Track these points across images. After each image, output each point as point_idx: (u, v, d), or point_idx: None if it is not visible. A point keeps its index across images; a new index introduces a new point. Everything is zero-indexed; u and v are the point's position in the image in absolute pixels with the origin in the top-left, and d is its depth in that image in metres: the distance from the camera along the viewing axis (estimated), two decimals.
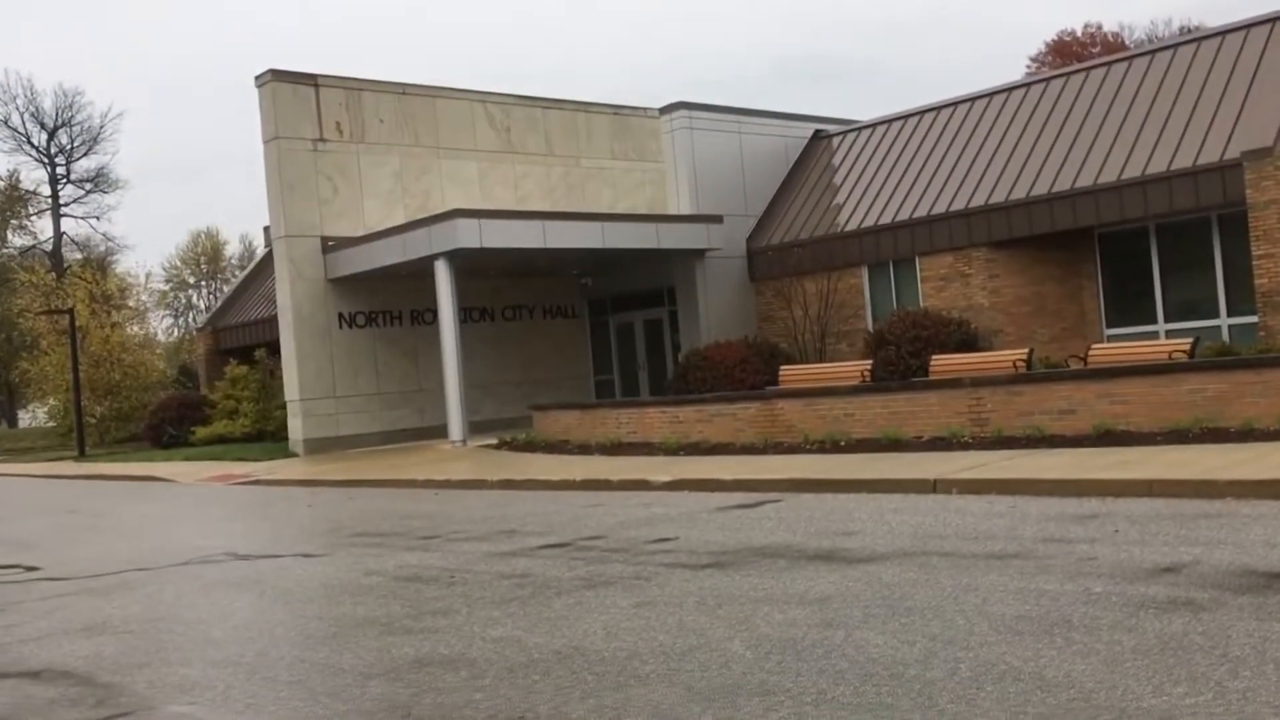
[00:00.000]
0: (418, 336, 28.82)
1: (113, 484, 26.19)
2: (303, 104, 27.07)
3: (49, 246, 60.89)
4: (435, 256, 24.57)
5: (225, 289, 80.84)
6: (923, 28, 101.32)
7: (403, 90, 28.86)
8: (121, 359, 41.56)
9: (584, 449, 20.04)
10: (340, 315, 27.53)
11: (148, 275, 64.86)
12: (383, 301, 28.28)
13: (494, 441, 23.85)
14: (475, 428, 26.04)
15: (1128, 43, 66.56)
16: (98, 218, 62.69)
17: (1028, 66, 67.30)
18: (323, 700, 6.08)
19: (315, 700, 6.09)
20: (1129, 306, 24.45)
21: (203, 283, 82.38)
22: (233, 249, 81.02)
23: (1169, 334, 23.09)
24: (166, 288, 77.76)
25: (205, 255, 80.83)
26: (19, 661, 7.77)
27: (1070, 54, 66.79)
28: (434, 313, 28.43)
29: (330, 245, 27.14)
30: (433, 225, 24.67)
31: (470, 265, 26.09)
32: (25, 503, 22.61)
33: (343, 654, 7.07)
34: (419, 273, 26.64)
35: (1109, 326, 24.71)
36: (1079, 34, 67.36)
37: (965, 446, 14.34)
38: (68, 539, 15.83)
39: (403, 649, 7.05)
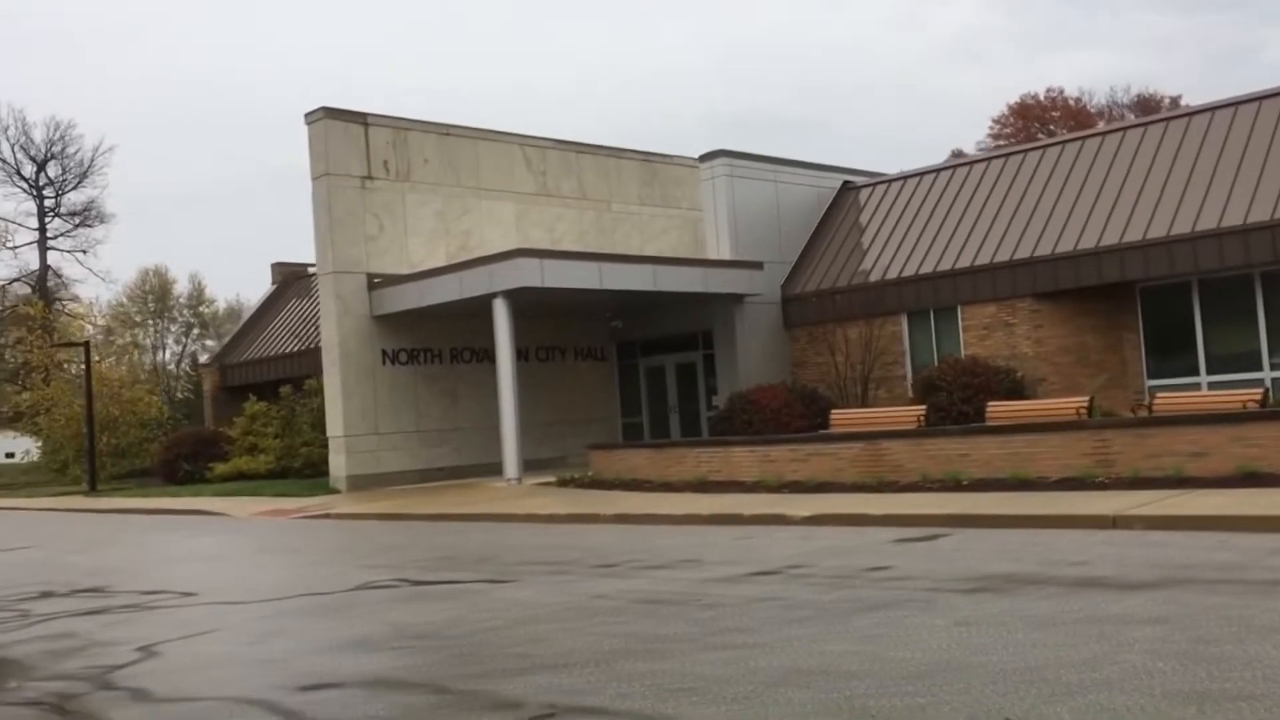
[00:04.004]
0: (457, 375, 28.75)
1: (156, 518, 25.66)
2: (353, 142, 27.11)
3: (33, 280, 59.83)
4: (494, 295, 24.61)
5: (173, 328, 79.57)
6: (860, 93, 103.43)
7: (446, 131, 29.02)
8: (120, 394, 40.86)
9: (667, 486, 20.07)
10: (384, 352, 27.40)
11: (104, 310, 63.83)
12: (424, 339, 28.19)
13: (551, 480, 23.78)
14: None
15: (1089, 108, 68.75)
16: (84, 251, 61.90)
17: (989, 128, 69.14)
18: (757, 705, 6.05)
19: (750, 704, 6.06)
20: (1170, 358, 25.08)
21: (149, 321, 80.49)
22: (181, 288, 79.66)
23: (1210, 385, 23.74)
24: (109, 324, 76.11)
25: (153, 294, 79.18)
26: (356, 664, 7.62)
27: (1033, 116, 68.62)
28: (472, 351, 28.52)
29: (376, 282, 27.07)
30: (494, 264, 24.75)
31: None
32: (81, 536, 21.99)
33: (698, 666, 6.98)
34: (461, 311, 26.67)
35: (1150, 378, 25.31)
36: (1041, 98, 69.42)
37: (1102, 487, 14.61)
38: (181, 570, 15.55)
39: (757, 661, 6.99)
